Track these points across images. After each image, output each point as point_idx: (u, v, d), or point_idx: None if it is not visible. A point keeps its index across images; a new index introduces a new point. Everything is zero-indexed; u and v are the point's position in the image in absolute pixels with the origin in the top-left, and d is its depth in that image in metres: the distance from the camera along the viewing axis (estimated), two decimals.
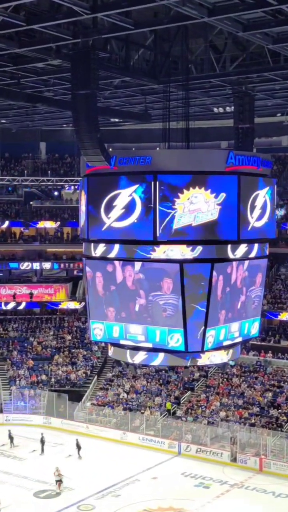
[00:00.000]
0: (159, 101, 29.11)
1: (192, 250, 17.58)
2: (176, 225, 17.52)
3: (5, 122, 40.91)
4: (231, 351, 19.92)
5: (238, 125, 25.54)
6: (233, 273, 18.73)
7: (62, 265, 51.41)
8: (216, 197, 17.69)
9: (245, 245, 18.73)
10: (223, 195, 17.75)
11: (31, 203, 51.90)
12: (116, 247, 18.41)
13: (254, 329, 20.65)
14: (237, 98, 25.85)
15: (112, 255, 18.51)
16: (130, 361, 19.74)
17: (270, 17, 18.42)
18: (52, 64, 23.63)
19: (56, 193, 52.67)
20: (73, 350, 45.79)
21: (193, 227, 17.56)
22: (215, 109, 32.26)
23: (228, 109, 30.99)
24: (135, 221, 17.86)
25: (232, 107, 27.56)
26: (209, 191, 17.62)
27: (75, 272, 50.92)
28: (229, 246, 18.24)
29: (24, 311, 49.34)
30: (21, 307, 48.38)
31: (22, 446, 35.69)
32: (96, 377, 43.04)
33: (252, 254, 19.25)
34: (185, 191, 17.50)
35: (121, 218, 18.09)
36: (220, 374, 40.62)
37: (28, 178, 50.45)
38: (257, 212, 18.80)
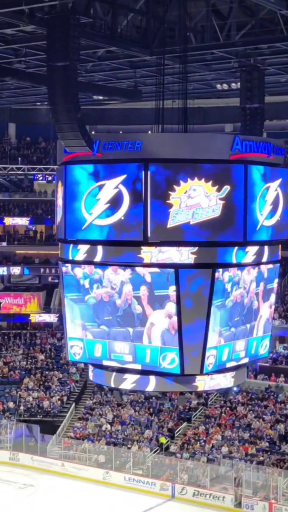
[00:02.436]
0: (152, 76, 29.19)
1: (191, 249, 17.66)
2: (171, 223, 17.56)
3: None
4: (235, 374, 19.96)
5: (245, 105, 25.64)
6: (238, 281, 18.79)
7: (34, 270, 51.38)
8: (218, 190, 17.74)
9: (253, 247, 18.80)
10: (227, 188, 17.80)
11: None
12: (100, 249, 18.44)
13: (263, 348, 20.71)
14: (244, 73, 25.95)
15: (97, 258, 18.53)
16: (115, 386, 19.74)
17: None
18: (24, 30, 23.63)
19: (27, 184, 52.67)
20: (47, 373, 45.76)
21: (191, 225, 17.60)
22: (218, 86, 32.37)
23: (233, 85, 31.09)
24: (122, 218, 17.89)
25: (238, 84, 27.67)
26: (210, 183, 17.67)
27: (49, 279, 50.91)
28: (233, 248, 18.30)
29: None
30: None
31: None
32: (73, 404, 43.05)
33: (262, 259, 19.31)
34: (181, 182, 17.54)
35: (105, 214, 18.10)
36: (222, 402, 40.70)
37: None
38: (267, 208, 18.87)
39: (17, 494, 34.91)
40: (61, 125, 18.81)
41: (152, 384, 18.98)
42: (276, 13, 22.19)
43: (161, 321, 17.99)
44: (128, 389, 20.15)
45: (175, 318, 17.84)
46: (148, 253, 17.79)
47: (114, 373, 19.39)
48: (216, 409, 40.44)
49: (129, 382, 19.23)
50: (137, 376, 19.01)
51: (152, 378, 18.88)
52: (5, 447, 39.91)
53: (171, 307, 17.79)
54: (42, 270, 51.31)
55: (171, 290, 17.74)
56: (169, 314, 17.84)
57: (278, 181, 19.27)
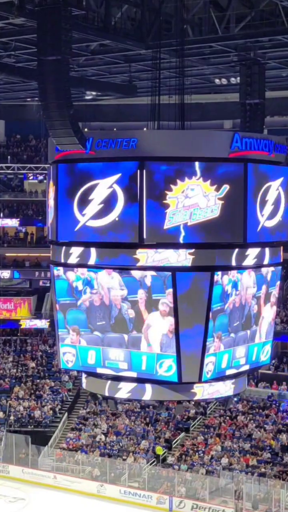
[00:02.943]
0: (147, 70, 29.22)
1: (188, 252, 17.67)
2: (167, 224, 17.57)
3: None
4: (235, 382, 19.97)
5: (245, 101, 25.69)
6: (238, 285, 18.81)
7: (24, 274, 51.32)
8: (217, 189, 17.75)
9: (254, 249, 18.81)
10: (226, 188, 17.82)
11: None
12: (93, 251, 18.44)
13: (265, 355, 20.72)
14: (244, 67, 26.01)
15: (90, 261, 18.53)
16: (109, 394, 19.72)
17: None
18: (13, 23, 23.66)
19: (17, 183, 52.64)
20: (38, 381, 45.69)
21: (189, 226, 17.62)
22: (217, 81, 32.43)
23: (232, 80, 31.18)
24: (116, 219, 17.89)
25: (238, 78, 27.73)
26: (208, 182, 17.69)
27: (40, 283, 50.86)
28: (233, 251, 18.31)
29: None
30: None
31: None
32: (66, 414, 42.98)
33: (263, 261, 19.33)
34: (178, 182, 17.56)
35: (99, 215, 18.10)
36: (221, 411, 40.67)
37: None
38: (268, 208, 18.89)
39: (7, 508, 34.83)
40: (53, 122, 18.81)
41: (148, 393, 18.97)
42: (277, 4, 22.26)
43: (158, 322, 17.99)
44: (124, 398, 20.14)
45: (171, 320, 17.83)
46: (144, 254, 17.79)
47: (108, 382, 19.39)
48: (215, 418, 40.42)
49: (124, 390, 19.23)
50: (133, 385, 19.01)
51: (149, 386, 18.87)
52: None
53: (165, 306, 17.79)
54: (36, 273, 51.25)
55: (168, 294, 17.75)
56: (163, 312, 17.83)
57: (280, 180, 19.28)
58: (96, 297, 18.67)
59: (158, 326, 18.04)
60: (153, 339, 18.14)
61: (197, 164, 17.69)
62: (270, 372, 41.91)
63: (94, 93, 36.55)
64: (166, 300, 17.77)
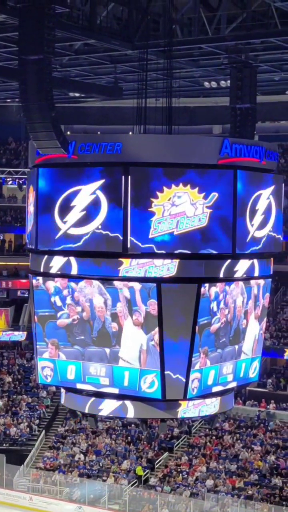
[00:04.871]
0: (134, 72, 29.29)
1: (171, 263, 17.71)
2: (153, 233, 17.60)
3: None
4: (222, 399, 19.98)
5: (236, 105, 25.77)
6: (226, 298, 18.83)
7: (1, 284, 51.20)
8: (205, 197, 17.80)
9: (243, 261, 18.86)
10: (214, 196, 17.88)
11: None
12: (74, 261, 18.43)
13: (253, 371, 20.75)
14: (234, 70, 26.10)
15: (72, 271, 18.52)
16: (89, 412, 19.69)
17: None
18: None
19: None
20: (14, 396, 45.53)
21: (175, 236, 17.66)
22: (206, 84, 32.54)
23: (222, 83, 31.28)
24: (99, 227, 17.91)
25: (228, 82, 27.84)
26: (196, 189, 17.74)
27: (18, 293, 50.74)
28: (221, 262, 18.35)
29: None
30: None
31: None
32: (43, 432, 42.82)
33: (252, 273, 19.37)
34: (165, 189, 17.59)
35: (81, 223, 18.11)
36: (207, 430, 40.65)
37: None
38: (258, 218, 18.94)
39: None
40: (34, 124, 18.81)
41: (131, 410, 18.95)
42: (269, 5, 22.36)
43: (133, 332, 18.01)
44: (105, 416, 20.11)
45: (155, 334, 17.84)
46: (125, 268, 17.80)
47: (91, 398, 19.34)
48: (200, 438, 40.38)
49: (106, 410, 19.19)
50: (116, 402, 18.97)
51: (130, 404, 18.86)
52: None
53: (137, 315, 17.82)
54: (10, 283, 51.14)
55: (151, 305, 17.75)
56: (136, 321, 17.86)
57: (270, 189, 19.35)
58: (79, 310, 18.66)
59: (135, 337, 18.06)
60: (131, 352, 18.16)
61: (184, 170, 17.76)
62: (258, 389, 41.92)
63: (77, 94, 36.59)
64: (138, 309, 17.81)
